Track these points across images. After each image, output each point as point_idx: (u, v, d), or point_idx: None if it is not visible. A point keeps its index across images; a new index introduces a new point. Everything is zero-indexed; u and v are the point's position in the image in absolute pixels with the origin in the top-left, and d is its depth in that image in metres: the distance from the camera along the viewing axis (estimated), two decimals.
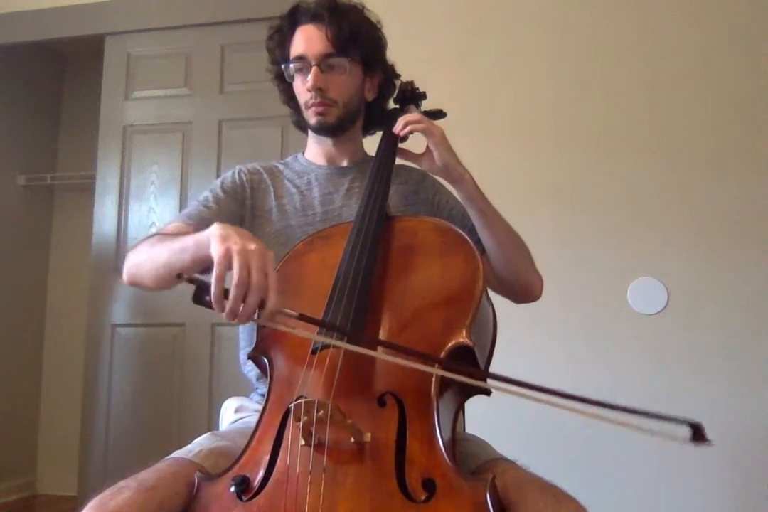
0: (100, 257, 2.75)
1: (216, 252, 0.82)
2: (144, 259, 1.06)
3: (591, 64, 2.35)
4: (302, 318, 0.82)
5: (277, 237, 1.25)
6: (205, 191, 1.30)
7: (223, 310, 0.81)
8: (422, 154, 1.16)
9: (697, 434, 0.76)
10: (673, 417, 0.75)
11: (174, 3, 2.81)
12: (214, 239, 0.85)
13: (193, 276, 0.81)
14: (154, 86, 2.83)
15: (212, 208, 1.23)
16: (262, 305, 0.81)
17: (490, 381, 0.84)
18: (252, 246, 0.83)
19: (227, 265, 0.81)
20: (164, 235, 1.09)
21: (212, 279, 0.81)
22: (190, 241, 0.93)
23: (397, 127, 1.15)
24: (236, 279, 0.80)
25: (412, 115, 1.15)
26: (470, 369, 0.91)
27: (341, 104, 1.24)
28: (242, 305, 0.81)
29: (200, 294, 0.80)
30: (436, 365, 0.86)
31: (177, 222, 1.21)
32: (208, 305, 0.81)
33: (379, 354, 0.88)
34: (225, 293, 0.81)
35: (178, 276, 0.80)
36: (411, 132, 1.14)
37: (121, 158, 2.80)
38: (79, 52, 3.38)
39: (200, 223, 1.18)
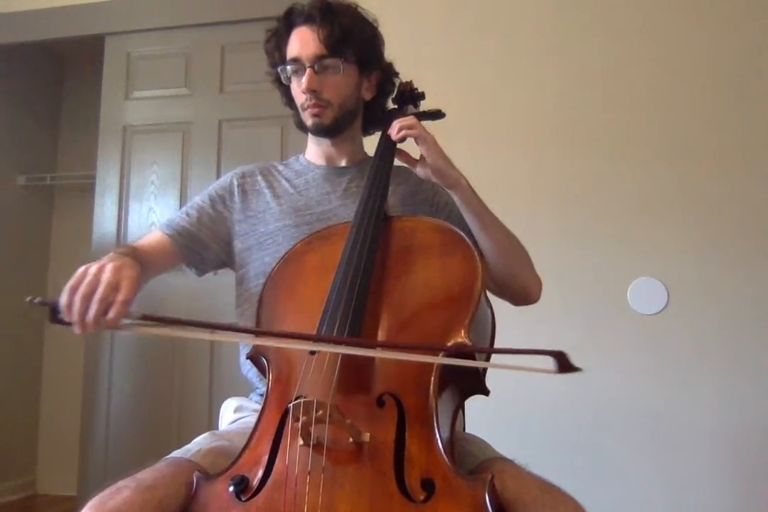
0: (100, 257, 2.73)
1: (76, 273, 0.90)
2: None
3: (592, 63, 2.34)
4: (146, 317, 0.86)
5: (274, 236, 1.25)
6: (198, 195, 1.34)
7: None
8: (417, 160, 1.16)
9: (562, 363, 0.79)
10: (537, 350, 0.78)
11: (174, 3, 2.81)
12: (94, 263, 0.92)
13: (42, 299, 0.87)
14: (154, 86, 2.83)
15: (193, 216, 1.28)
16: (106, 313, 0.86)
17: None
18: (110, 265, 0.90)
19: (79, 281, 0.88)
20: (125, 248, 1.14)
21: (63, 294, 0.87)
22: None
23: (392, 132, 1.15)
24: (80, 291, 0.86)
25: (407, 120, 1.14)
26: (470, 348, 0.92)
27: (336, 105, 1.24)
28: (86, 315, 0.85)
29: (54, 314, 0.87)
30: (441, 354, 0.89)
31: (157, 231, 1.27)
32: (63, 322, 0.86)
33: (376, 352, 0.88)
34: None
35: (29, 301, 0.86)
36: (403, 138, 1.14)
37: (121, 158, 2.80)
38: (79, 52, 3.38)
39: (178, 232, 1.25)
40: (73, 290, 0.87)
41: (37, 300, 0.85)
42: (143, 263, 1.02)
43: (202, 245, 1.27)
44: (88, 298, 0.85)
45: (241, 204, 1.30)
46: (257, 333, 1.00)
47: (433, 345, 0.92)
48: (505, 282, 1.20)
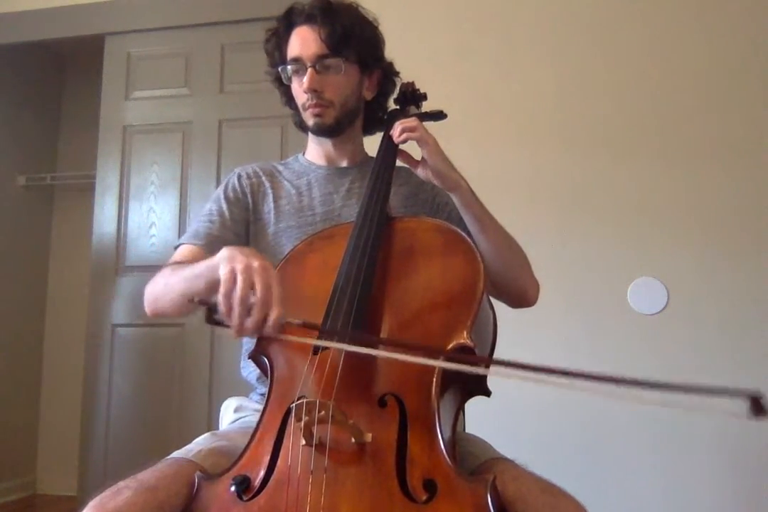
0: (100, 257, 2.75)
1: (222, 273, 0.85)
2: (161, 291, 1.09)
3: (592, 62, 2.34)
4: (306, 325, 0.85)
5: (277, 238, 1.25)
6: (208, 202, 1.31)
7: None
8: (418, 161, 1.16)
9: (757, 406, 0.67)
10: (729, 390, 0.67)
11: (174, 3, 2.81)
12: (221, 262, 0.88)
13: (203, 298, 0.86)
14: (154, 86, 2.83)
15: (216, 222, 1.25)
16: (266, 319, 0.84)
17: (501, 369, 0.86)
18: (255, 263, 0.86)
19: (232, 284, 0.84)
20: (177, 264, 1.11)
21: (219, 296, 0.84)
22: (202, 267, 0.95)
23: (394, 133, 1.15)
24: (238, 296, 0.83)
25: (409, 121, 1.14)
26: (473, 358, 0.91)
27: (338, 105, 1.24)
28: (247, 320, 0.83)
29: (210, 315, 0.85)
30: (441, 358, 0.88)
31: (186, 244, 1.23)
32: (219, 323, 0.85)
33: (380, 352, 0.88)
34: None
35: (189, 300, 0.85)
36: (405, 140, 1.14)
37: (121, 158, 2.80)
38: (79, 52, 3.38)
39: (208, 240, 1.21)
40: (229, 294, 0.83)
41: (197, 298, 0.84)
42: None
43: None
44: (246, 302, 0.83)
45: (252, 205, 1.30)
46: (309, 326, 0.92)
47: (445, 343, 0.91)
48: (502, 285, 1.20)
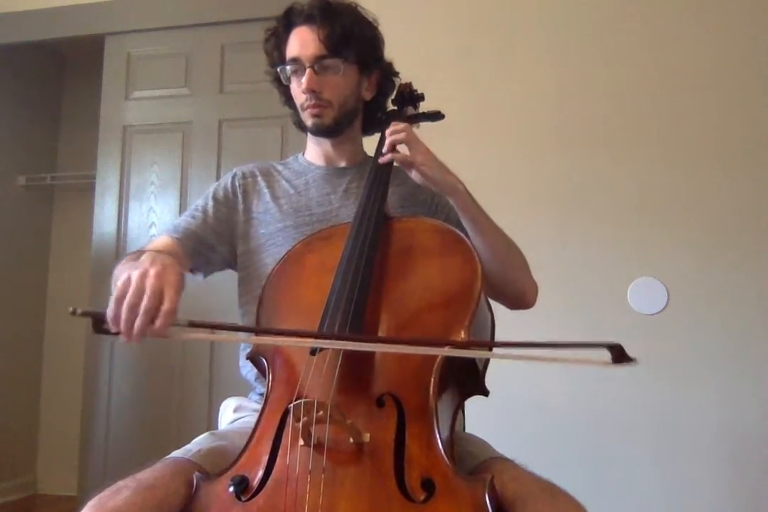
0: (100, 257, 2.75)
1: (120, 278, 0.87)
2: (113, 279, 1.10)
3: (592, 62, 2.34)
4: (193, 325, 0.85)
5: (274, 238, 1.25)
6: (200, 198, 1.33)
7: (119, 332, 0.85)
8: (412, 164, 1.15)
9: (618, 354, 0.77)
10: (591, 342, 0.77)
11: (174, 3, 2.81)
12: (129, 269, 0.89)
13: (85, 310, 0.85)
14: (154, 86, 2.83)
15: (198, 218, 1.27)
16: (153, 323, 0.84)
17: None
18: (152, 270, 0.86)
19: (124, 290, 0.84)
20: (139, 253, 1.12)
21: (109, 303, 0.84)
22: (127, 266, 0.96)
23: (384, 149, 1.16)
24: (126, 302, 0.83)
25: (395, 135, 1.15)
26: (470, 342, 0.92)
27: (336, 105, 1.24)
28: (132, 326, 0.83)
29: (98, 325, 0.85)
30: (447, 347, 0.89)
31: (164, 235, 1.25)
32: (108, 332, 0.85)
33: (377, 346, 0.88)
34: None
35: (72, 312, 0.84)
36: (390, 160, 1.16)
37: (121, 158, 2.80)
38: (79, 52, 3.38)
39: (184, 234, 1.24)
40: (119, 300, 0.84)
41: (79, 311, 0.83)
42: None
43: (209, 247, 1.27)
44: (134, 309, 0.83)
45: (243, 205, 1.30)
46: (303, 335, 0.95)
47: (445, 339, 0.92)
48: (501, 287, 1.19)
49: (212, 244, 1.27)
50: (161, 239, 1.24)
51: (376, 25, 1.31)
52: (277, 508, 0.80)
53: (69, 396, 3.20)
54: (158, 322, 0.83)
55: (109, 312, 0.84)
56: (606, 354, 0.77)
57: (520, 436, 2.11)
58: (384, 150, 1.16)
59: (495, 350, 0.95)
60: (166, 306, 0.84)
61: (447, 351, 0.89)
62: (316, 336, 0.92)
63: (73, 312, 0.83)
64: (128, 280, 0.85)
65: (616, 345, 0.77)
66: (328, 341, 0.90)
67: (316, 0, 1.24)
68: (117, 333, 0.84)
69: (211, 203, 1.30)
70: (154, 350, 2.67)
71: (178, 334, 0.87)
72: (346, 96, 1.25)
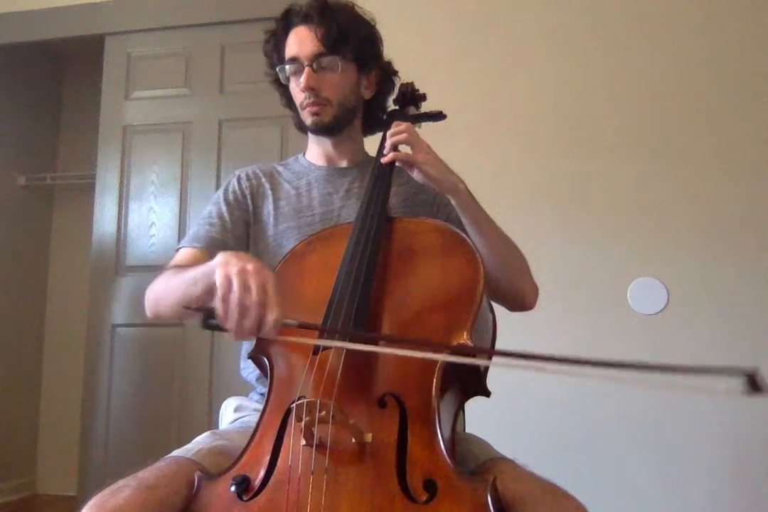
0: (100, 257, 2.75)
1: (217, 277, 0.86)
2: (161, 295, 1.10)
3: (592, 62, 2.34)
4: (303, 326, 0.85)
5: (277, 239, 1.25)
6: (209, 205, 1.32)
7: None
8: (413, 164, 1.15)
9: (755, 383, 0.62)
10: (720, 368, 0.63)
11: (174, 3, 2.81)
12: (216, 266, 0.88)
13: (199, 305, 0.87)
14: (154, 86, 2.83)
15: (216, 225, 1.26)
16: (264, 320, 0.84)
17: (502, 360, 0.88)
18: (250, 266, 0.86)
19: (228, 288, 0.84)
20: (176, 268, 1.11)
21: (216, 301, 0.84)
22: (198, 272, 0.96)
23: (385, 149, 1.16)
24: (235, 299, 0.83)
25: (397, 135, 1.14)
26: (474, 349, 0.91)
27: (336, 103, 1.24)
28: (245, 322, 0.83)
29: (207, 320, 0.85)
30: (445, 351, 0.88)
31: (186, 248, 1.23)
32: (216, 328, 0.85)
33: (382, 348, 0.88)
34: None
35: (184, 307, 0.86)
36: (392, 160, 1.15)
37: (121, 158, 2.80)
38: (79, 52, 3.38)
39: (208, 243, 1.22)
40: (225, 298, 0.83)
41: (193, 305, 0.85)
42: None
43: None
44: (244, 304, 0.83)
45: (252, 207, 1.30)
46: (310, 327, 0.93)
47: (446, 343, 0.92)
48: (501, 288, 1.19)
49: (234, 248, 1.24)
50: (187, 252, 1.22)
51: (374, 24, 1.31)
52: (279, 508, 0.80)
53: (69, 396, 3.20)
54: (270, 316, 0.83)
55: (219, 311, 0.84)
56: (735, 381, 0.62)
57: (521, 437, 2.11)
58: (386, 150, 1.16)
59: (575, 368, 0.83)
60: (273, 300, 0.84)
61: (481, 361, 0.89)
62: (321, 330, 0.92)
63: (186, 307, 0.86)
64: (227, 277, 0.85)
65: (753, 371, 0.62)
66: (331, 341, 0.90)
67: (314, 0, 1.24)
68: (226, 330, 0.84)
69: (224, 208, 1.28)
70: (154, 350, 2.67)
71: (286, 336, 0.87)
72: (345, 94, 1.25)
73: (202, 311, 0.85)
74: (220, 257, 0.91)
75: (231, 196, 1.30)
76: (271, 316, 0.83)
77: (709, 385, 0.64)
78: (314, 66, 1.21)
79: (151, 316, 1.15)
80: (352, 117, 1.29)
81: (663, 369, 0.68)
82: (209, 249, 1.19)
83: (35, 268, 3.50)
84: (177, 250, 1.26)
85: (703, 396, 2.08)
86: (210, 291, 0.90)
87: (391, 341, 0.91)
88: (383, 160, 1.16)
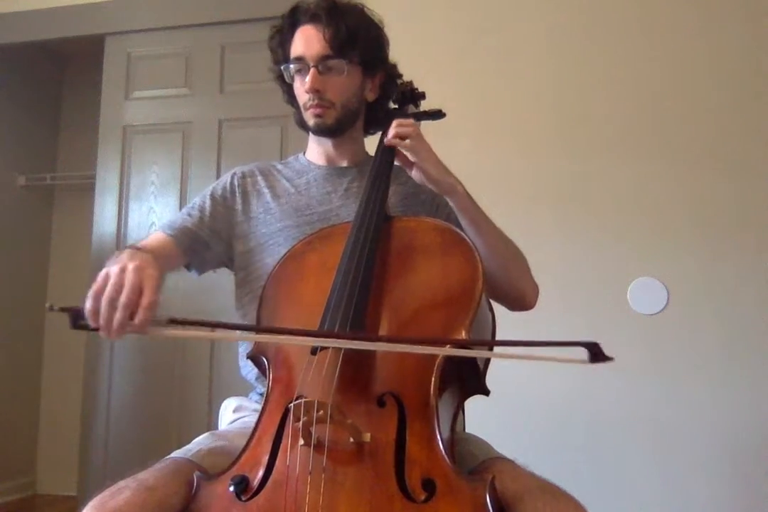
0: (100, 257, 2.75)
1: (99, 274, 0.87)
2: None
3: (592, 62, 2.34)
4: (173, 322, 0.85)
5: (275, 237, 1.25)
6: (199, 196, 1.33)
7: (98, 328, 0.85)
8: (413, 163, 1.15)
9: (596, 353, 0.82)
10: (569, 342, 0.80)
11: (174, 3, 2.81)
12: (106, 264, 0.90)
13: (63, 306, 0.84)
14: (154, 86, 2.83)
15: (195, 216, 1.27)
16: (132, 318, 0.84)
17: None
18: (131, 265, 0.87)
19: (102, 285, 0.85)
20: (129, 248, 1.11)
21: (87, 298, 0.84)
22: (111, 262, 0.96)
23: (388, 136, 1.15)
24: (104, 297, 0.84)
25: (404, 128, 1.14)
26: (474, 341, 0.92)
27: (339, 106, 1.23)
28: (113, 320, 0.83)
29: (75, 320, 0.84)
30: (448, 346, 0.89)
31: (159, 231, 1.25)
32: (86, 328, 0.84)
33: (378, 345, 0.88)
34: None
35: (49, 308, 0.83)
36: (394, 146, 1.15)
37: (121, 158, 2.80)
38: (79, 52, 3.38)
39: (180, 232, 1.23)
40: (98, 295, 0.84)
41: (56, 307, 0.83)
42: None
43: (204, 245, 1.27)
44: (113, 303, 0.83)
45: (242, 205, 1.30)
46: (282, 332, 0.97)
47: (441, 338, 0.92)
48: (501, 288, 1.19)
49: (208, 242, 1.27)
50: (156, 235, 1.24)
51: (382, 26, 1.30)
52: (278, 508, 0.80)
53: (69, 396, 3.20)
54: (138, 317, 0.83)
55: (87, 306, 0.84)
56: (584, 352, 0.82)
57: (521, 436, 2.11)
58: (387, 138, 1.15)
59: (477, 349, 0.96)
60: (145, 300, 0.84)
61: (442, 350, 0.89)
62: (316, 335, 0.92)
63: (51, 308, 0.82)
64: (106, 275, 0.86)
65: (594, 343, 0.81)
66: (328, 340, 0.90)
67: None
68: (96, 329, 0.84)
69: (209, 202, 1.29)
70: (154, 350, 2.67)
71: (158, 331, 0.87)
72: (349, 97, 1.25)
73: (69, 312, 0.84)
74: (119, 255, 0.94)
75: (219, 192, 1.31)
76: (139, 316, 0.83)
77: (562, 355, 0.80)
78: (320, 67, 1.20)
79: None
80: (354, 119, 1.29)
81: (524, 343, 0.85)
82: (179, 237, 1.22)
83: (35, 268, 3.50)
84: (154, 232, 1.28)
85: (704, 396, 2.09)
86: None
87: (387, 341, 0.90)
88: (385, 140, 1.15)
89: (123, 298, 0.83)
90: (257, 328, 1.02)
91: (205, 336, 0.93)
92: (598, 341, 0.82)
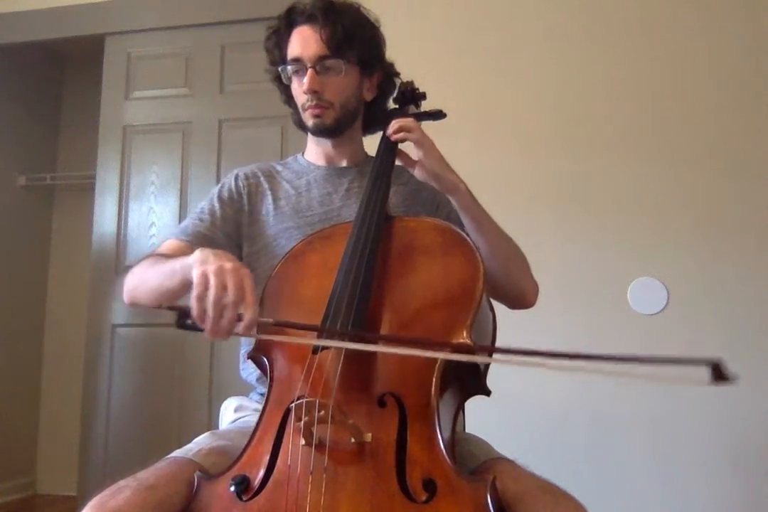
0: (100, 257, 2.75)
1: (195, 275, 0.86)
2: (139, 283, 1.10)
3: (592, 62, 2.34)
4: (278, 324, 0.85)
5: (277, 239, 1.25)
6: (203, 200, 1.32)
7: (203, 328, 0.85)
8: (415, 162, 1.15)
9: (719, 373, 0.68)
10: (688, 359, 0.68)
11: (174, 3, 2.81)
12: (194, 263, 0.89)
13: (173, 304, 0.86)
14: (154, 86, 2.83)
15: (206, 221, 1.26)
16: (240, 320, 0.84)
17: (502, 356, 0.88)
18: (227, 265, 0.86)
19: (205, 286, 0.84)
20: (158, 256, 1.12)
21: (191, 300, 0.84)
22: (177, 265, 0.96)
23: (390, 130, 1.15)
24: (211, 298, 0.83)
25: (406, 121, 1.14)
26: (474, 348, 0.91)
27: (338, 106, 1.23)
28: (221, 321, 0.83)
29: (182, 319, 0.85)
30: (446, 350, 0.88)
31: (172, 239, 1.24)
32: (191, 328, 0.85)
33: (379, 347, 0.88)
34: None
35: (159, 306, 0.85)
36: (401, 139, 1.15)
37: (121, 158, 2.80)
38: (79, 52, 3.38)
39: (195, 238, 1.22)
40: (201, 297, 0.84)
41: (165, 305, 0.84)
42: None
43: (219, 248, 1.25)
44: (219, 303, 0.83)
45: (249, 206, 1.30)
46: (308, 328, 0.94)
47: (445, 341, 0.92)
48: (501, 286, 1.19)
49: (222, 245, 1.25)
50: (171, 243, 1.22)
51: (378, 26, 1.30)
52: (278, 508, 0.80)
53: (69, 396, 3.20)
54: (246, 317, 0.83)
55: (194, 310, 0.84)
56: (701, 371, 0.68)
57: (521, 437, 2.11)
58: (389, 132, 1.15)
59: (550, 361, 0.89)
60: (250, 298, 0.84)
61: (462, 357, 0.88)
62: (319, 330, 0.92)
63: (160, 306, 0.85)
64: (205, 275, 0.85)
65: (717, 362, 0.68)
66: (330, 341, 0.90)
67: (319, 0, 1.24)
68: (200, 330, 0.84)
69: (217, 205, 1.28)
70: (154, 350, 2.67)
71: (262, 334, 0.87)
72: (348, 97, 1.25)
73: (177, 311, 0.84)
74: (198, 254, 0.91)
75: (226, 194, 1.30)
76: (248, 315, 0.83)
77: (678, 375, 0.69)
78: (318, 68, 1.20)
79: (127, 302, 1.15)
80: (353, 119, 1.29)
81: (634, 360, 0.73)
82: (194, 243, 1.20)
83: (35, 268, 3.50)
84: (164, 240, 1.26)
85: (704, 396, 2.08)
86: (186, 285, 0.91)
87: (389, 341, 0.91)
88: (389, 135, 1.15)
89: (230, 299, 0.83)
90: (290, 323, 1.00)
91: (305, 342, 0.91)
92: (719, 359, 0.68)
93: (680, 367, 0.68)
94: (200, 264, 0.87)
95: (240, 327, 0.83)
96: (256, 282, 1.25)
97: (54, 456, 3.38)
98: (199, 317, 0.83)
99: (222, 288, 0.83)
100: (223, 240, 1.25)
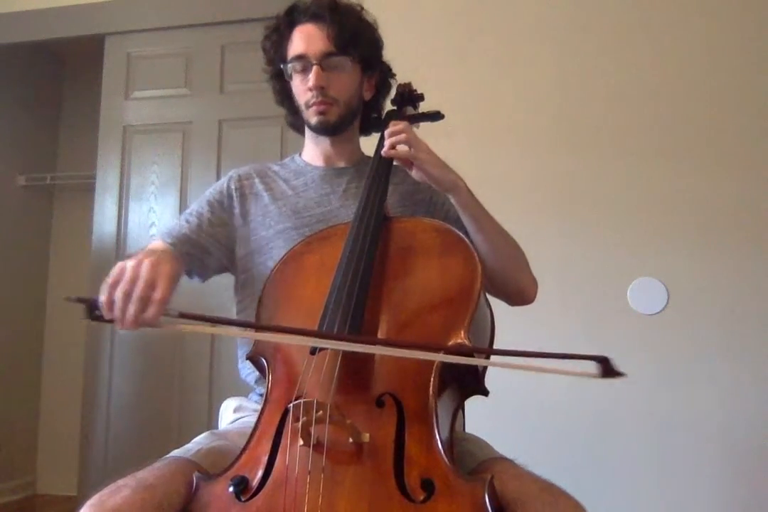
0: (100, 257, 2.75)
1: (114, 267, 0.90)
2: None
3: (593, 63, 2.34)
4: (183, 316, 0.86)
5: (275, 240, 1.25)
6: (196, 201, 1.33)
7: (112, 318, 0.87)
8: (412, 162, 1.14)
9: (607, 368, 0.81)
10: (580, 355, 0.80)
11: (174, 3, 2.81)
12: (127, 258, 0.92)
13: (79, 296, 0.87)
14: (154, 86, 2.83)
15: (193, 223, 1.27)
16: (145, 311, 0.86)
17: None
18: (147, 261, 0.89)
19: (119, 277, 0.87)
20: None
21: (102, 289, 0.87)
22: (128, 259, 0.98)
23: (384, 148, 1.14)
24: (119, 289, 0.86)
25: (395, 135, 1.13)
26: (472, 349, 0.91)
27: (342, 103, 1.24)
28: (127, 312, 0.85)
29: (91, 311, 0.87)
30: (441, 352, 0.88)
31: (159, 240, 1.25)
32: (99, 319, 0.87)
33: (376, 348, 0.88)
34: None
35: (66, 298, 0.86)
36: (393, 157, 1.14)
37: (121, 158, 2.80)
38: (79, 52, 3.38)
39: (178, 239, 1.23)
40: (113, 287, 0.87)
41: (74, 297, 0.86)
42: None
43: (204, 251, 1.26)
44: (127, 295, 0.86)
45: (240, 208, 1.30)
46: (290, 330, 0.97)
47: (440, 344, 0.92)
48: (501, 284, 1.20)
49: (207, 248, 1.26)
50: (156, 243, 1.23)
51: (376, 28, 1.31)
52: (277, 508, 0.80)
53: (69, 396, 3.20)
54: (150, 310, 0.85)
55: (103, 298, 0.86)
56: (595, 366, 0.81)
57: (520, 436, 2.11)
58: (384, 149, 1.16)
59: (485, 358, 0.97)
60: (158, 294, 0.86)
61: (441, 357, 0.88)
62: (315, 335, 0.92)
63: (68, 299, 0.85)
64: (122, 268, 0.88)
65: (604, 358, 0.80)
66: (327, 341, 0.90)
67: None
68: (110, 321, 0.86)
69: (206, 208, 1.29)
70: (154, 350, 2.67)
71: (170, 325, 0.88)
72: (351, 94, 1.25)
73: (84, 302, 0.87)
74: (137, 252, 0.96)
75: (216, 196, 1.31)
76: (152, 308, 0.85)
77: (571, 368, 0.82)
78: (323, 65, 1.20)
79: None
80: (354, 117, 1.30)
81: (535, 354, 0.85)
82: (177, 245, 1.21)
83: (35, 268, 3.50)
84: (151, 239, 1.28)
85: (704, 396, 2.08)
86: None
87: (386, 344, 0.91)
88: (383, 152, 1.15)
89: (137, 291, 0.85)
90: (265, 327, 1.02)
91: (213, 331, 0.94)
92: (606, 355, 0.82)
93: (576, 362, 0.81)
94: (126, 260, 0.91)
95: (145, 318, 0.86)
96: (250, 282, 1.26)
97: (54, 456, 3.38)
98: (107, 305, 0.86)
99: (133, 280, 0.86)
100: (208, 242, 1.26)
